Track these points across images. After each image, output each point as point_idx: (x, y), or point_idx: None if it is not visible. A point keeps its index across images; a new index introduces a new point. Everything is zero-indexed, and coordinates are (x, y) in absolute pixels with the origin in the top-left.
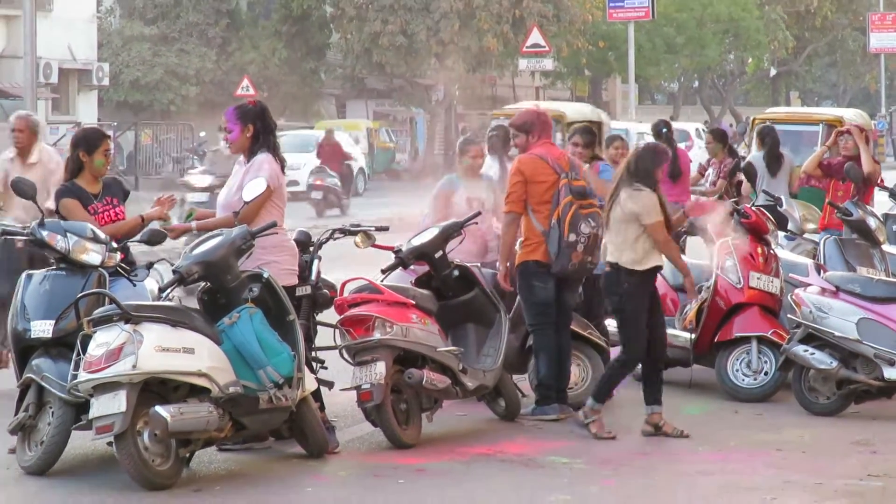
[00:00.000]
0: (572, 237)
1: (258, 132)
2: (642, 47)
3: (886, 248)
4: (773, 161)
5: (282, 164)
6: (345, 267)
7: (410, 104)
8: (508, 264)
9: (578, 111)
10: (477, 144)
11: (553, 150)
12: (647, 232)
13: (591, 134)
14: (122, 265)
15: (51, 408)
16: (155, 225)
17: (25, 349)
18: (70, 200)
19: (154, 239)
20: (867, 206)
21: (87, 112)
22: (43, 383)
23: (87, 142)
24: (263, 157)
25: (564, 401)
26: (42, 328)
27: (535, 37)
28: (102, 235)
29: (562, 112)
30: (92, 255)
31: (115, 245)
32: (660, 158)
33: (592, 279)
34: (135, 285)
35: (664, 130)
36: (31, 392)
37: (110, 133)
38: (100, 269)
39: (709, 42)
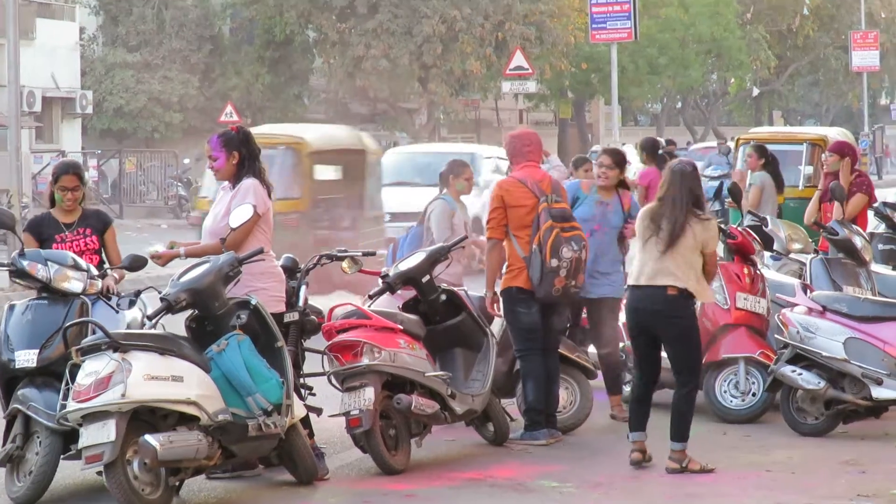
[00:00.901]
0: (554, 262)
1: (244, 158)
2: (625, 68)
3: (874, 267)
4: (778, 180)
5: (268, 189)
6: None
7: (394, 128)
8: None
9: (327, 136)
10: (468, 166)
11: (535, 174)
12: (707, 260)
13: (617, 154)
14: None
15: (38, 437)
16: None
17: (10, 380)
18: (26, 235)
19: (135, 265)
20: (853, 226)
21: (70, 140)
22: (29, 413)
23: (53, 175)
24: (250, 183)
25: (553, 425)
26: (26, 358)
27: (519, 59)
28: (83, 263)
29: (299, 138)
30: (73, 283)
31: (95, 272)
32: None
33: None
34: (117, 312)
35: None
36: (18, 422)
37: (91, 162)
38: (82, 296)
39: (691, 62)
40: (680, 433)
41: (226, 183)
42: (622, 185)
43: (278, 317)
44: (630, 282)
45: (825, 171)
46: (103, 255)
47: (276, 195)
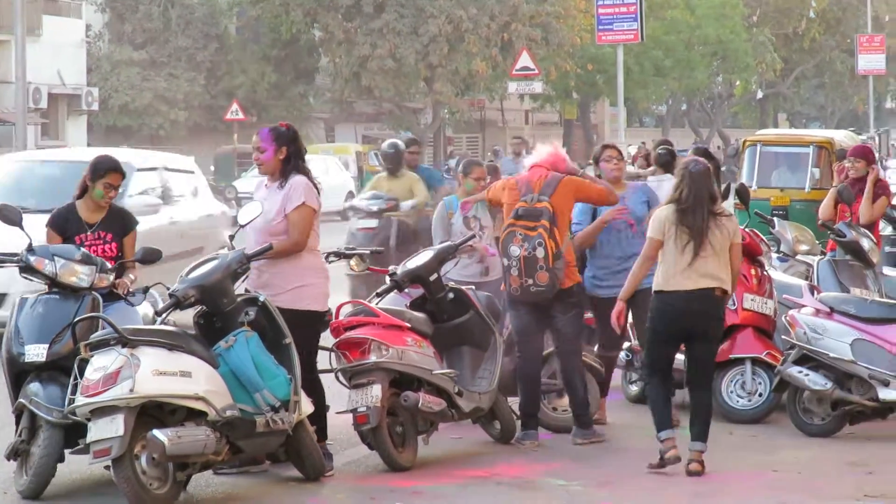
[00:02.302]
0: (505, 261)
1: (290, 155)
2: (631, 70)
3: (887, 270)
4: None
5: (317, 188)
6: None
7: (399, 128)
8: None
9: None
10: (480, 166)
11: (534, 173)
12: (734, 252)
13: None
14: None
15: (42, 431)
16: None
17: (20, 373)
18: (49, 230)
19: (148, 258)
20: (860, 228)
21: (76, 137)
22: (31, 407)
23: (94, 168)
24: (301, 181)
25: (534, 427)
26: (36, 352)
27: (525, 60)
28: (94, 257)
29: None
30: (81, 277)
31: (108, 266)
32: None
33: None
34: (130, 307)
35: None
36: (25, 417)
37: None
38: (92, 291)
39: (697, 64)
40: (706, 433)
41: (266, 180)
42: None
43: (321, 315)
44: (664, 287)
45: (853, 177)
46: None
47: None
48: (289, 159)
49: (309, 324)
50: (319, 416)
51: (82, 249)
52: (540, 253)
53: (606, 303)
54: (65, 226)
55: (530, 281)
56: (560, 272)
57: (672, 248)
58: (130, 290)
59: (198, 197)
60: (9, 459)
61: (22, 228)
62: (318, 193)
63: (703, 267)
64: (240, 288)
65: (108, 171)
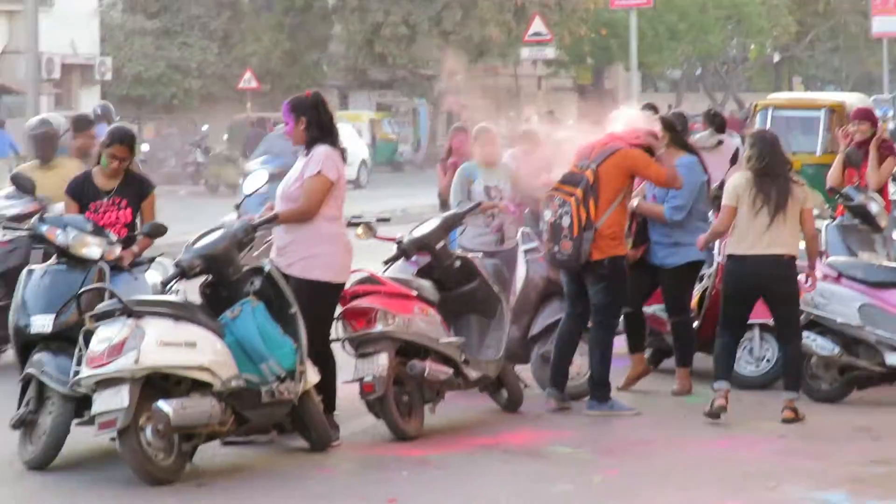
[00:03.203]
0: (541, 225)
1: (310, 123)
2: (645, 34)
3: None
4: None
5: (342, 154)
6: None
7: (413, 95)
8: None
9: None
10: (491, 132)
11: (599, 140)
12: (806, 216)
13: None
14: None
15: (51, 402)
16: None
17: (27, 344)
18: (67, 198)
19: (155, 232)
20: (869, 192)
21: (89, 107)
22: (42, 378)
23: (108, 137)
24: (321, 151)
25: (557, 387)
26: (42, 323)
27: (538, 25)
28: (104, 230)
29: None
30: (92, 248)
31: (115, 239)
32: None
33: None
34: (136, 278)
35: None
36: (32, 387)
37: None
38: (100, 263)
39: (711, 28)
40: (798, 383)
41: (302, 149)
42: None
43: (339, 287)
44: (736, 250)
45: (858, 140)
46: (138, 225)
47: None
48: (310, 127)
49: (320, 294)
50: (328, 387)
51: (92, 222)
52: (566, 221)
53: (664, 272)
54: (80, 194)
55: (556, 248)
56: (587, 243)
57: (745, 213)
58: (127, 262)
59: None
60: (15, 429)
61: (35, 197)
62: (344, 158)
63: (776, 233)
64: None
65: (113, 143)
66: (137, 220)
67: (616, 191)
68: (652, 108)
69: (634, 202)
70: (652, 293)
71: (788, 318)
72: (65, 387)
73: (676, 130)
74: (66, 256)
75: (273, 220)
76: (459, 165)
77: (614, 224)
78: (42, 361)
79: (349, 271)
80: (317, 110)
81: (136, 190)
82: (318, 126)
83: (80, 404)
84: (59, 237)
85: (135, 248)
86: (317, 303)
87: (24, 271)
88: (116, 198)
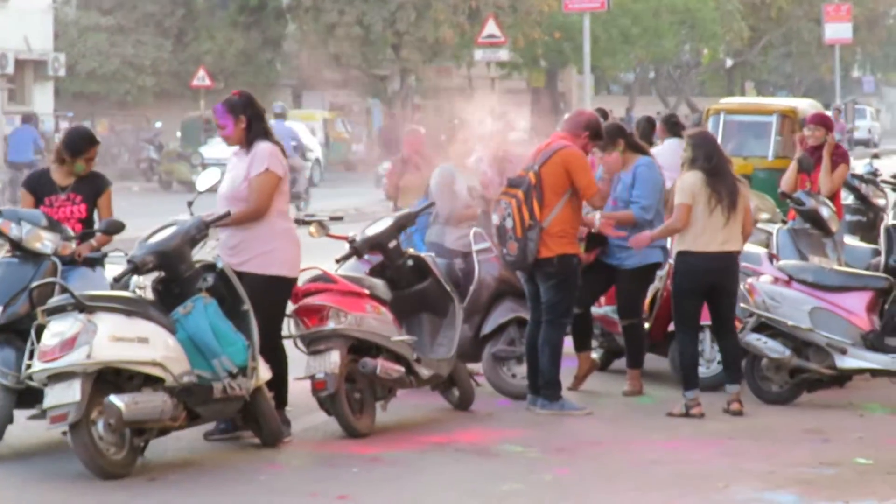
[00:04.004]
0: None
1: (250, 121)
2: (598, 38)
3: (848, 239)
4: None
5: (281, 148)
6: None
7: (366, 95)
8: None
9: None
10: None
11: (543, 144)
12: (747, 215)
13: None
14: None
15: None
16: None
17: None
18: (23, 191)
19: (111, 229)
20: (820, 196)
21: (43, 102)
22: None
23: (74, 146)
24: (265, 147)
25: (534, 392)
26: None
27: (491, 27)
28: (58, 224)
29: None
30: (45, 243)
31: (72, 234)
32: None
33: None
34: (94, 270)
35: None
36: None
37: (63, 125)
38: (52, 257)
39: (665, 33)
40: (739, 375)
41: (237, 148)
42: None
43: (291, 282)
44: (692, 247)
45: (811, 145)
46: (95, 220)
47: None
48: (250, 126)
49: (276, 289)
50: (280, 383)
51: (47, 216)
52: (508, 223)
53: (622, 273)
54: (37, 188)
55: (504, 250)
56: (532, 243)
57: (701, 212)
58: (81, 256)
59: None
60: None
61: None
62: (285, 157)
63: (730, 230)
64: (212, 253)
65: (88, 148)
66: (95, 216)
67: (561, 189)
68: (603, 113)
69: (596, 216)
70: (603, 294)
71: (729, 312)
72: (9, 380)
73: (628, 135)
74: (20, 250)
75: (225, 217)
76: (411, 166)
77: (562, 222)
78: None
79: (300, 266)
80: (253, 108)
81: (91, 186)
82: (257, 123)
83: (31, 397)
84: (13, 230)
85: (93, 242)
86: (272, 298)
87: None
88: (72, 193)
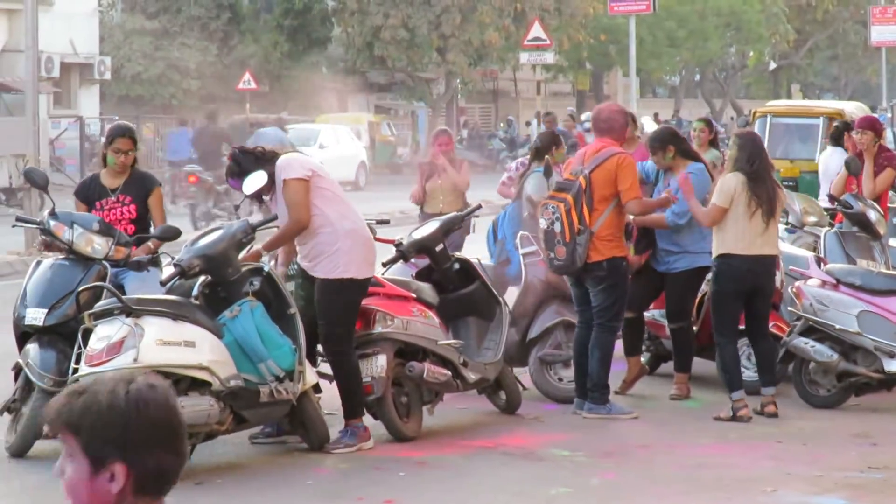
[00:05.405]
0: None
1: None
2: (644, 40)
3: (894, 242)
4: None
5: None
6: None
7: (412, 98)
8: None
9: None
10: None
11: (592, 147)
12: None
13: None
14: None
15: (35, 393)
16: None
17: (24, 334)
18: (75, 199)
19: (166, 235)
20: (868, 199)
21: (88, 106)
22: (26, 370)
23: (107, 136)
24: (279, 162)
25: (582, 396)
26: (35, 316)
27: (537, 30)
28: (112, 229)
29: None
30: (96, 247)
31: (128, 238)
32: None
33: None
34: (148, 270)
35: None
36: (22, 377)
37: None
38: (103, 261)
39: (710, 35)
40: (774, 378)
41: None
42: None
43: (355, 282)
44: (734, 250)
45: (860, 149)
46: (149, 221)
47: None
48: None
49: (345, 292)
50: (352, 394)
51: (101, 220)
52: (557, 227)
53: (670, 277)
54: (87, 193)
55: (552, 254)
56: (581, 247)
57: (742, 214)
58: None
59: None
60: (0, 414)
61: (46, 192)
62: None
63: (771, 233)
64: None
65: (116, 138)
66: (148, 217)
67: (610, 194)
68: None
69: (630, 218)
70: (654, 299)
71: (765, 314)
72: (43, 381)
73: (680, 141)
74: (72, 253)
75: (272, 221)
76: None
77: (610, 226)
78: (30, 353)
79: (372, 266)
80: (253, 156)
81: (140, 186)
82: (264, 163)
83: None
84: (65, 234)
85: (150, 245)
86: (342, 300)
87: (34, 262)
88: (121, 195)
